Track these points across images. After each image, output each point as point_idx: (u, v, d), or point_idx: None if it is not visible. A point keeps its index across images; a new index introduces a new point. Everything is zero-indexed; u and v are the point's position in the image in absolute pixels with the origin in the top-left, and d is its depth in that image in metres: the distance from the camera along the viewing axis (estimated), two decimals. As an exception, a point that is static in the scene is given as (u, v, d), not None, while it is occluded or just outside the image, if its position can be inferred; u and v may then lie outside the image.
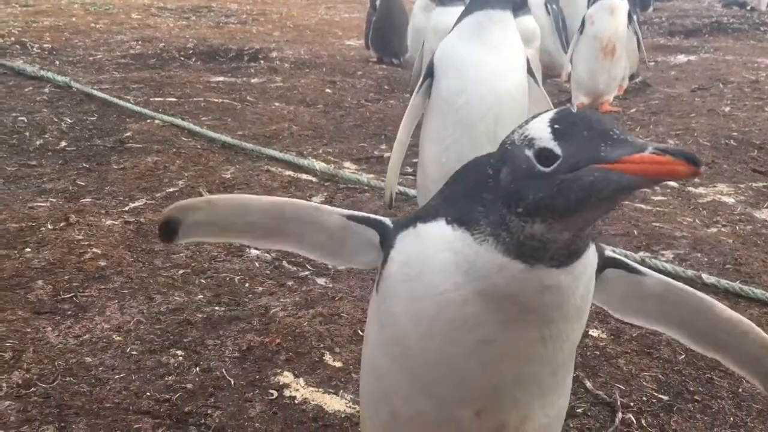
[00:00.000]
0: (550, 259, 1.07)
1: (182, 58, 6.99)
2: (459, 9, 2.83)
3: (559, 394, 1.27)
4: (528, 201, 1.04)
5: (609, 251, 1.34)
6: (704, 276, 2.68)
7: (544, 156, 1.02)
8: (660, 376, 2.16)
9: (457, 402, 1.20)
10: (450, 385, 1.20)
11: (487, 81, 2.56)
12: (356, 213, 1.36)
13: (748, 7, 14.55)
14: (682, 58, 8.17)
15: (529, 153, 1.04)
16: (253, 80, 6.25)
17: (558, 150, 1.01)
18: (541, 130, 1.04)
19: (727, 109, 5.54)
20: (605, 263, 1.30)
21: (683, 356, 2.24)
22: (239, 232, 1.40)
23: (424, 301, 1.17)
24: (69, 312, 2.32)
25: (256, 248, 2.85)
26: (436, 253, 1.16)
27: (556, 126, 1.03)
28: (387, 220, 1.33)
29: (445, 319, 1.15)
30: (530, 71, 2.67)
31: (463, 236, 1.14)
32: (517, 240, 1.07)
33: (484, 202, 1.11)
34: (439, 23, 4.92)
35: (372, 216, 1.35)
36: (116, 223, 3.00)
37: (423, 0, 6.53)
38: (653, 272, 1.35)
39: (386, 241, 1.28)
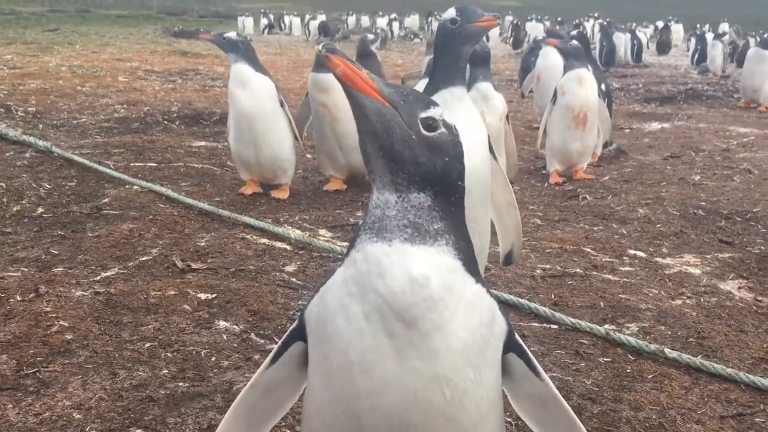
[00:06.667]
0: (399, 230, 1.15)
1: (165, 122, 7.10)
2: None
3: None
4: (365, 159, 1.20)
5: (518, 338, 1.36)
6: (667, 350, 2.72)
7: None
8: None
9: None
10: None
11: None
12: (274, 348, 1.40)
13: (726, 73, 15.03)
14: (656, 125, 8.39)
15: None
16: (234, 145, 6.33)
17: None
18: None
19: (697, 178, 5.67)
20: (511, 345, 1.33)
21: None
22: None
23: (332, 357, 1.20)
24: (31, 388, 2.31)
25: (225, 320, 2.86)
26: (332, 298, 1.21)
27: None
28: (297, 320, 1.35)
29: (347, 366, 1.17)
30: (489, 144, 2.76)
31: (345, 262, 1.21)
32: (371, 214, 1.18)
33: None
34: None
35: (286, 333, 1.38)
36: (86, 293, 3.01)
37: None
38: (547, 378, 1.37)
39: (306, 333, 1.31)
